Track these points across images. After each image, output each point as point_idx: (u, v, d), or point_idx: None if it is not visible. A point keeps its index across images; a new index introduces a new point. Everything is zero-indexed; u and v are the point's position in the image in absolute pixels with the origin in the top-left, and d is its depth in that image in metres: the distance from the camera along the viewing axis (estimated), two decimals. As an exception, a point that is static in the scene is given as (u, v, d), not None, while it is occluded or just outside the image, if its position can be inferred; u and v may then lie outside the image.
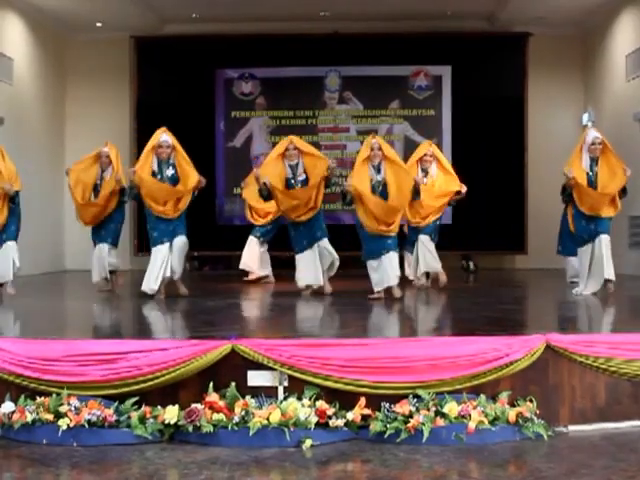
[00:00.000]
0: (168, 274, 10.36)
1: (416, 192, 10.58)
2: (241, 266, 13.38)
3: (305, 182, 10.68)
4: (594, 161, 10.46)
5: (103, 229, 11.38)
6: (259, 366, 5.88)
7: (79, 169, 11.40)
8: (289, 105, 17.46)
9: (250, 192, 13.12)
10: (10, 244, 10.76)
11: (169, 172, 10.39)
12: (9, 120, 14.81)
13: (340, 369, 5.86)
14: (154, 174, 10.34)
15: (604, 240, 10.33)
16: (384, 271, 10.03)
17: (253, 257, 13.25)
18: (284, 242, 15.87)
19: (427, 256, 11.74)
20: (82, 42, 17.55)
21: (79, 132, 17.39)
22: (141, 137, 17.28)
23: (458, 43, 17.07)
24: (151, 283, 10.25)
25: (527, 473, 5.03)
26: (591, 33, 17.02)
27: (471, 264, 16.79)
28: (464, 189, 11.81)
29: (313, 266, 10.69)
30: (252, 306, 10.47)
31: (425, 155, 11.96)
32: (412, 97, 17.43)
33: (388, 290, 10.06)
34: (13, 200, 10.77)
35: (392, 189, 10.05)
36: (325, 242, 10.85)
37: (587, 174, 10.43)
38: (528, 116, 17.02)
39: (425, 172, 11.84)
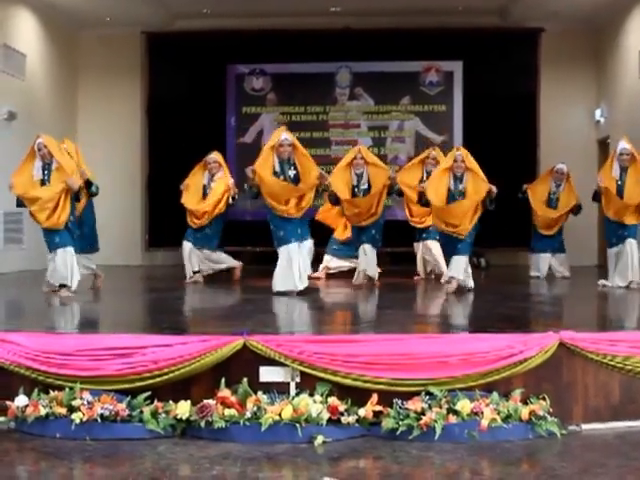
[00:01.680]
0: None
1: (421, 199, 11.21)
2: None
3: (367, 191, 11.49)
4: (624, 170, 10.99)
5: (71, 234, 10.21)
6: (271, 362, 5.88)
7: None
8: (300, 101, 17.44)
9: (188, 196, 12.34)
10: (69, 250, 9.92)
11: (291, 172, 10.01)
12: (22, 115, 14.83)
13: (352, 365, 5.85)
14: (276, 174, 9.99)
15: (630, 244, 10.97)
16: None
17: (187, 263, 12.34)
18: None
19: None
20: (93, 38, 17.55)
21: (91, 127, 17.41)
22: (152, 132, 17.35)
23: (470, 38, 17.00)
24: (296, 282, 9.96)
25: (540, 471, 5.02)
26: (604, 29, 16.95)
27: (482, 261, 16.77)
28: None
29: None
30: (263, 302, 10.45)
31: (428, 158, 12.66)
32: (423, 93, 17.39)
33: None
34: (77, 197, 10.10)
35: (468, 196, 10.51)
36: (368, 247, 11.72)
37: (616, 182, 10.97)
38: (540, 112, 16.96)
39: (428, 174, 12.19)
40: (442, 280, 11.57)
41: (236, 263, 12.65)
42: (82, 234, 10.57)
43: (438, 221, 10.71)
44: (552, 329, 6.16)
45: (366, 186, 11.54)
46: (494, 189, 10.43)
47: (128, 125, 17.43)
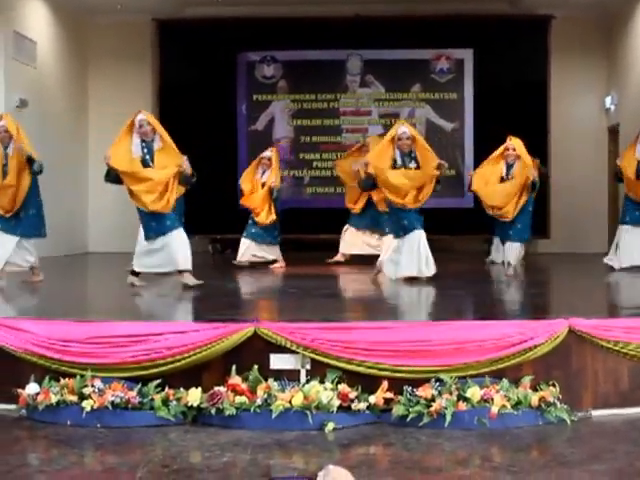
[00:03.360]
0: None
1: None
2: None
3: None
4: None
5: (14, 218, 9.98)
6: (282, 349, 5.89)
7: None
8: (311, 88, 17.42)
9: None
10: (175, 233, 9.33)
11: (412, 165, 9.93)
12: (33, 102, 14.85)
13: (363, 352, 5.87)
14: (396, 166, 9.94)
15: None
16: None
17: None
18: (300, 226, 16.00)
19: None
20: (104, 25, 17.54)
21: (102, 114, 17.43)
22: (163, 120, 17.26)
23: (480, 26, 16.93)
24: (423, 268, 9.99)
25: (550, 457, 5.03)
26: (614, 16, 16.86)
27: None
28: None
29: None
30: (274, 289, 10.48)
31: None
32: (434, 80, 17.35)
33: None
34: (188, 181, 9.56)
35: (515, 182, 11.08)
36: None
37: (638, 162, 11.35)
38: (551, 100, 16.91)
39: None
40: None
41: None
42: (27, 217, 10.06)
43: (485, 206, 11.35)
44: (561, 316, 6.15)
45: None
46: (532, 175, 11.06)
47: (139, 113, 17.43)
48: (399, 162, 9.97)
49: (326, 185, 16.20)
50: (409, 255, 10.02)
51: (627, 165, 11.45)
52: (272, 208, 12.88)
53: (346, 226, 13.68)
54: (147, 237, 9.46)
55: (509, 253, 11.29)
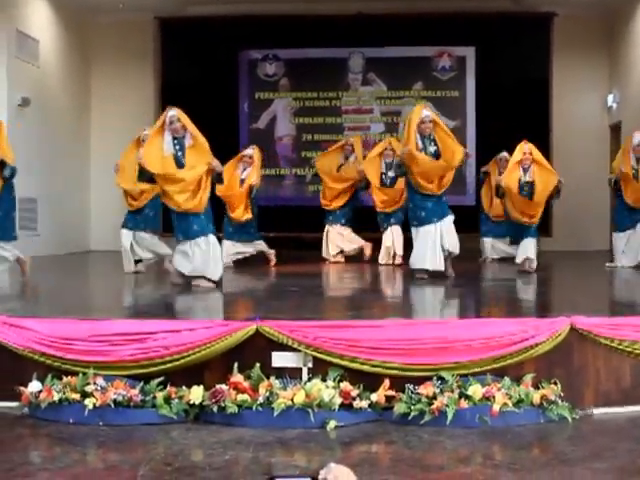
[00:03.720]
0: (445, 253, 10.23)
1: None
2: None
3: (394, 179, 12.71)
4: (638, 160, 11.70)
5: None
6: (283, 347, 5.89)
7: None
8: (313, 86, 17.45)
9: (123, 176, 11.38)
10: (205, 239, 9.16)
11: (432, 148, 10.05)
12: (35, 101, 14.87)
13: (365, 350, 5.86)
14: (418, 150, 10.03)
15: None
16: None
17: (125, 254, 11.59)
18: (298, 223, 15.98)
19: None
20: (106, 24, 17.57)
21: (104, 113, 17.48)
22: (165, 118, 17.35)
23: (482, 23, 16.96)
24: (438, 263, 10.09)
25: (551, 455, 5.02)
26: (617, 13, 16.87)
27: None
28: None
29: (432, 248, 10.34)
30: (276, 287, 10.47)
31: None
32: (436, 78, 17.37)
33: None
34: (220, 179, 9.38)
35: (538, 188, 11.08)
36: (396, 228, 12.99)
37: (633, 171, 11.65)
38: (553, 97, 16.92)
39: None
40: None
41: (168, 251, 11.38)
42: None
43: (514, 212, 11.38)
44: (563, 313, 6.15)
45: (393, 174, 12.43)
46: (562, 180, 11.22)
47: (141, 111, 17.44)
48: (420, 145, 10.05)
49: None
50: (422, 248, 10.07)
51: (628, 172, 11.61)
52: (249, 207, 12.65)
53: (326, 227, 13.74)
54: (177, 238, 9.31)
55: (528, 249, 11.33)
